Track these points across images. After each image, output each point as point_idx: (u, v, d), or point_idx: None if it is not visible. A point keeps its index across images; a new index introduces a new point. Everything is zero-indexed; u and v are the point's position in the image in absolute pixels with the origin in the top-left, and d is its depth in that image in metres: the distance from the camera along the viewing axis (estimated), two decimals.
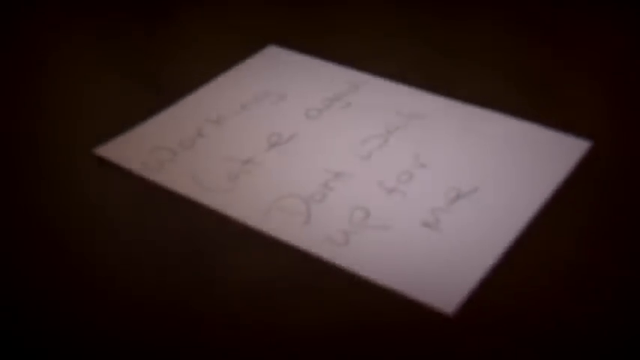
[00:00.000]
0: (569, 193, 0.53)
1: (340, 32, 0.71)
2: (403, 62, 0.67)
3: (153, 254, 0.49)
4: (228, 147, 0.58)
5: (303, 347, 0.44)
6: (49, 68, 0.68)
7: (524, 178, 0.54)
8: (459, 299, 0.46)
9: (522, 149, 0.56)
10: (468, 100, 0.62)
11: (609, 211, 0.52)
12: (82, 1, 0.78)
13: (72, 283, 0.48)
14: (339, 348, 0.43)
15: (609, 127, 0.59)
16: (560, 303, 0.46)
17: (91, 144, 0.58)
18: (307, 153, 0.57)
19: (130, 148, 0.58)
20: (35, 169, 0.57)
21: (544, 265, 0.48)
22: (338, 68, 0.66)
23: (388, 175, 0.55)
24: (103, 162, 0.57)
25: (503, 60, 0.67)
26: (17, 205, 0.54)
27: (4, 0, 0.78)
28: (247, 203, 0.53)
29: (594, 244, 0.49)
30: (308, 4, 0.76)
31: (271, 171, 0.55)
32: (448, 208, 0.52)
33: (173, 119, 0.61)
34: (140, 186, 0.55)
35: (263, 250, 0.50)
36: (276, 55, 0.68)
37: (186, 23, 0.74)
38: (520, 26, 0.72)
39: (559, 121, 0.59)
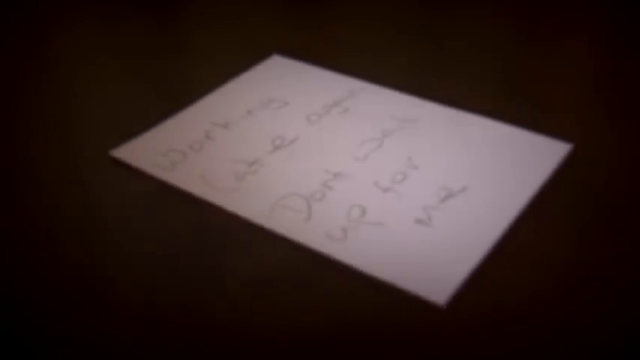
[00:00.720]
0: (551, 192, 0.53)
1: (339, 43, 0.71)
2: (397, 70, 0.67)
3: (165, 248, 0.49)
4: (235, 149, 0.57)
5: (303, 334, 0.43)
6: (70, 75, 0.68)
7: (509, 179, 0.54)
8: (450, 291, 0.45)
9: (507, 151, 0.56)
10: (457, 106, 0.62)
11: (589, 210, 0.51)
12: (100, 12, 0.78)
13: (89, 275, 0.47)
14: (335, 335, 0.43)
15: (589, 131, 0.59)
16: (544, 294, 0.46)
17: (107, 146, 0.58)
18: (308, 155, 0.57)
19: (144, 150, 0.58)
20: (55, 169, 0.56)
21: (528, 259, 0.48)
22: (337, 76, 0.66)
23: (383, 175, 0.54)
24: (118, 163, 0.57)
25: (489, 68, 0.67)
26: (36, 203, 0.53)
27: (24, 8, 0.78)
28: (253, 201, 0.52)
29: (575, 240, 0.49)
30: (309, 17, 0.76)
31: (275, 171, 0.55)
32: (439, 206, 0.51)
33: (184, 123, 0.60)
34: (153, 185, 0.55)
35: (267, 245, 0.49)
36: (279, 64, 0.68)
37: (196, 35, 0.74)
38: (504, 37, 0.72)
39: (541, 125, 0.59)
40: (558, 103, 0.62)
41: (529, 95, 0.63)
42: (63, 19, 0.77)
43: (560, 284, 0.46)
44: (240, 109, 0.62)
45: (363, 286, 0.46)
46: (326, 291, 0.46)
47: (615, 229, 0.50)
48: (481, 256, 0.48)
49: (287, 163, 0.56)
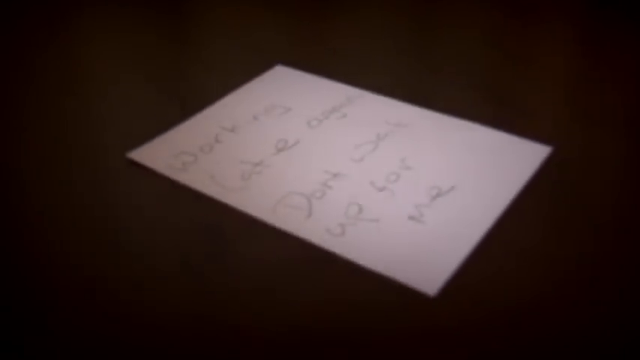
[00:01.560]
0: (532, 191, 0.53)
1: (337, 54, 0.71)
2: (390, 79, 0.66)
3: (176, 242, 0.49)
4: (242, 151, 0.57)
5: (303, 322, 0.43)
6: (91, 84, 0.67)
7: (494, 179, 0.53)
8: (440, 282, 0.45)
9: (492, 153, 0.56)
10: (445, 111, 0.61)
11: (568, 207, 0.51)
12: (117, 24, 0.78)
13: (107, 265, 0.47)
14: (334, 323, 0.43)
15: (567, 135, 0.58)
16: (527, 285, 0.45)
17: (124, 148, 0.58)
18: (309, 157, 0.56)
19: (158, 153, 0.57)
20: (77, 170, 0.56)
21: (513, 253, 0.48)
22: (335, 85, 0.65)
23: (378, 175, 0.54)
24: (135, 164, 0.56)
25: (476, 77, 0.67)
26: (60, 201, 0.53)
27: (56, 23, 0.77)
28: (258, 199, 0.52)
29: (555, 235, 0.49)
30: (310, 30, 0.76)
31: (278, 172, 0.55)
32: (430, 204, 0.51)
33: (194, 128, 0.60)
34: (166, 185, 0.54)
35: (271, 240, 0.49)
36: (282, 74, 0.67)
37: (206, 47, 0.73)
38: (488, 48, 0.71)
39: (523, 129, 0.59)
40: (538, 109, 0.62)
41: (512, 102, 0.63)
42: (88, 31, 0.77)
43: (542, 276, 0.46)
44: (246, 114, 0.62)
45: (359, 277, 0.46)
46: (326, 282, 0.46)
47: (592, 225, 0.50)
48: (469, 251, 0.47)
49: (289, 164, 0.56)
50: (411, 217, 0.50)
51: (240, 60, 0.70)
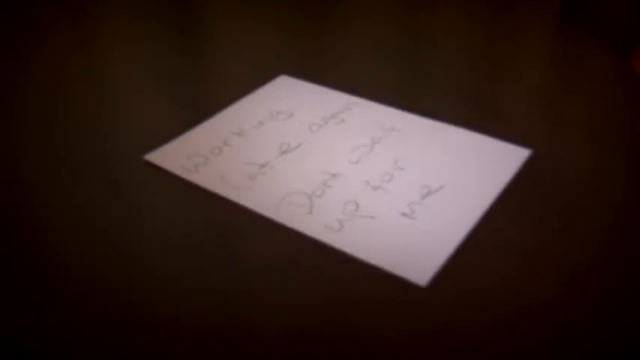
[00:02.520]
0: (514, 189, 0.52)
1: (336, 65, 0.71)
2: (384, 87, 0.66)
3: (188, 237, 0.48)
4: (249, 154, 0.56)
5: (304, 310, 0.43)
6: (111, 93, 0.67)
7: (479, 178, 0.53)
8: (430, 273, 0.45)
9: (477, 155, 0.55)
10: (434, 116, 0.61)
11: (546, 205, 0.51)
12: (135, 39, 0.77)
13: (125, 257, 0.46)
14: (333, 311, 0.42)
15: (545, 138, 0.58)
16: (510, 275, 0.45)
17: (141, 151, 0.57)
18: (310, 158, 0.56)
19: (172, 155, 0.56)
20: (99, 171, 0.55)
21: (497, 246, 0.47)
22: (334, 93, 0.65)
23: (373, 176, 0.53)
24: (151, 166, 0.55)
25: (462, 85, 0.66)
26: (82, 200, 0.52)
27: (81, 35, 0.77)
28: (263, 198, 0.51)
29: (535, 229, 0.49)
30: (311, 43, 0.76)
31: (282, 172, 0.54)
32: (421, 201, 0.50)
33: (205, 132, 0.59)
34: (180, 185, 0.54)
35: (275, 235, 0.48)
36: (286, 83, 0.67)
37: (216, 58, 0.73)
38: (472, 57, 0.71)
39: (505, 133, 0.58)
40: (519, 115, 0.61)
41: (495, 109, 0.62)
42: (108, 45, 0.76)
43: (524, 266, 0.46)
44: (252, 120, 0.61)
45: (356, 269, 0.45)
46: (325, 273, 0.45)
47: (569, 219, 0.49)
48: (457, 244, 0.47)
49: (292, 165, 0.55)
50: (404, 214, 0.49)
51: (247, 71, 0.70)
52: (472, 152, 0.56)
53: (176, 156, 0.56)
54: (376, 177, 0.53)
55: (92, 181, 0.54)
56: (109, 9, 0.84)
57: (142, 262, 0.46)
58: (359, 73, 0.69)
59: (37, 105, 0.65)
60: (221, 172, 0.54)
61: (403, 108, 0.62)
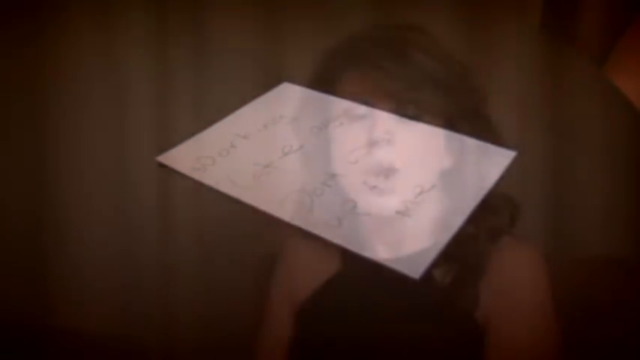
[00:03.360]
0: (500, 189, 0.51)
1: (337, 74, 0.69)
2: (379, 94, 0.65)
3: (197, 232, 0.48)
4: (254, 155, 0.56)
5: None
6: (127, 101, 0.66)
7: (468, 178, 0.53)
8: (423, 267, 0.44)
9: (466, 157, 0.55)
10: (427, 121, 0.59)
11: (530, 202, 0.51)
12: (148, 52, 0.76)
13: (137, 252, 0.46)
14: (331, 302, 0.42)
15: (528, 141, 0.58)
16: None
17: (154, 153, 0.57)
18: (311, 159, 0.55)
19: (183, 157, 0.56)
20: (115, 172, 0.55)
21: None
22: (334, 99, 0.64)
23: (370, 176, 0.52)
24: (163, 166, 0.55)
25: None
26: (99, 199, 0.52)
27: (99, 44, 0.75)
28: (267, 196, 0.51)
29: (520, 225, 0.48)
30: (312, 53, 0.75)
31: (285, 172, 0.53)
32: (414, 200, 0.50)
33: (213, 135, 0.59)
34: (190, 184, 0.53)
35: (278, 230, 0.47)
36: (289, 90, 0.66)
37: (224, 67, 0.73)
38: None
39: (492, 136, 0.57)
40: (504, 119, 0.60)
41: (482, 113, 0.61)
42: (125, 57, 0.75)
43: None
44: (257, 123, 0.60)
45: (353, 262, 0.45)
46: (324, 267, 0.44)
47: (551, 213, 0.49)
48: (447, 240, 0.46)
49: (294, 166, 0.54)
50: (399, 212, 0.49)
51: (253, 78, 0.70)
52: (462, 154, 0.55)
53: (186, 157, 0.56)
54: (373, 177, 0.52)
55: (113, 181, 0.54)
56: (128, 18, 0.83)
57: (154, 257, 0.45)
58: (359, 81, 0.68)
59: (64, 109, 0.64)
60: (228, 173, 0.54)
61: (396, 113, 0.61)
